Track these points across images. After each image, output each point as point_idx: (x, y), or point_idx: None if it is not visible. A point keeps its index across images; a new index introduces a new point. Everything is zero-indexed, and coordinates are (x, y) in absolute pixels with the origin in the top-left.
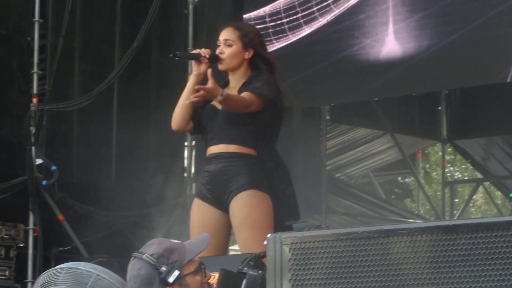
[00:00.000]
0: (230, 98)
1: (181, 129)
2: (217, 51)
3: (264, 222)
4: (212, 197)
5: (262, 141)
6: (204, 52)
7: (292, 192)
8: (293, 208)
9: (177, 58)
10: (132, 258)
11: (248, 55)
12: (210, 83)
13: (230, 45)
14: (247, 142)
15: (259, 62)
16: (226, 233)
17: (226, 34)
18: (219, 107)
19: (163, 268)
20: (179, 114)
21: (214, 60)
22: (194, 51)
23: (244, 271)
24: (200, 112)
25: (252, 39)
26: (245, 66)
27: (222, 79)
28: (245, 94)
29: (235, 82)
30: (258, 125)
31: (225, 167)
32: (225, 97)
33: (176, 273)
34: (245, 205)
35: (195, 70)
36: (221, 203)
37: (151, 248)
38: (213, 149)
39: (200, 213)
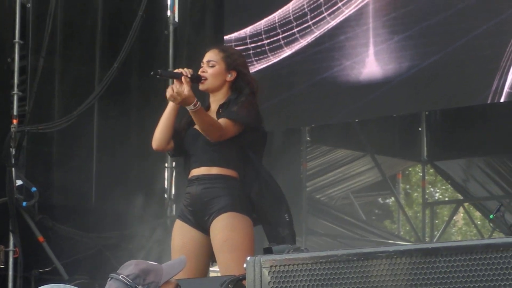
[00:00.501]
0: (202, 113)
1: (161, 149)
2: (200, 71)
3: (244, 244)
4: (193, 219)
5: (245, 163)
6: (186, 71)
7: (286, 209)
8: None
9: (158, 77)
10: (109, 279)
11: (230, 77)
12: (186, 90)
13: (213, 66)
14: (228, 164)
15: (241, 85)
16: (206, 255)
17: (209, 56)
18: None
19: None
20: (160, 134)
21: (196, 80)
22: (176, 70)
23: None
24: (182, 134)
25: (235, 60)
26: (226, 88)
27: (203, 102)
28: (221, 121)
29: (215, 104)
30: (239, 148)
31: (206, 189)
32: (197, 108)
33: None
34: (225, 227)
35: (176, 89)
36: (202, 225)
37: (128, 269)
38: (195, 172)
39: (181, 235)
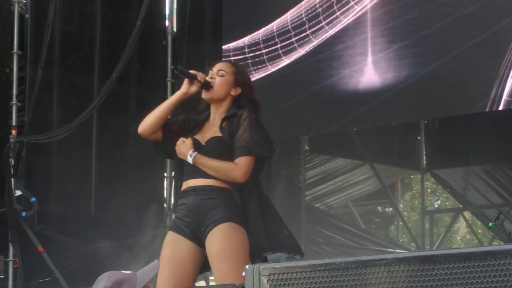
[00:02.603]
0: (203, 162)
1: (145, 134)
2: (208, 77)
3: (240, 254)
4: (188, 230)
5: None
6: (200, 76)
7: (284, 226)
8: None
9: (176, 72)
10: None
11: (235, 92)
12: (193, 90)
13: (222, 75)
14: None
15: (243, 103)
16: (196, 267)
17: (221, 66)
18: (202, 141)
19: None
20: (150, 120)
21: (205, 86)
22: (192, 72)
23: None
24: (174, 135)
25: (245, 79)
26: (229, 102)
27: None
28: (240, 160)
29: (217, 117)
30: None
31: (203, 200)
32: (197, 160)
33: None
34: (222, 237)
35: (184, 88)
36: (197, 236)
37: (101, 283)
38: (191, 183)
39: (173, 245)
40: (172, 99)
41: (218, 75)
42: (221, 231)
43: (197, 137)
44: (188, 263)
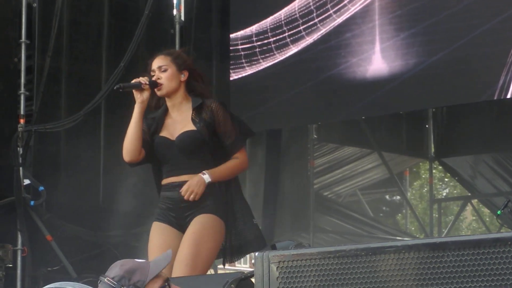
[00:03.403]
0: (217, 176)
1: (134, 160)
2: (154, 78)
3: (207, 244)
4: (175, 220)
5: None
6: (143, 79)
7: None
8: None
9: (121, 90)
10: (99, 281)
11: (184, 77)
12: (146, 95)
13: (165, 70)
14: (207, 169)
15: (194, 84)
16: None
17: (158, 62)
18: (171, 137)
19: None
20: (130, 145)
21: (153, 85)
22: (134, 81)
23: None
24: (150, 142)
25: (185, 60)
26: (183, 89)
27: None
28: (239, 154)
29: (176, 108)
30: (212, 152)
31: None
32: (212, 177)
33: None
34: (198, 223)
35: (138, 98)
36: (182, 225)
37: (113, 271)
38: (175, 179)
39: (161, 234)
40: (135, 116)
41: (162, 71)
42: (200, 218)
43: (164, 134)
44: (177, 250)
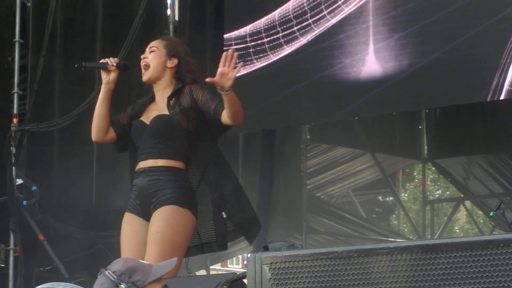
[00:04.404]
0: (235, 97)
1: (100, 139)
2: (141, 60)
3: (174, 241)
4: (142, 210)
5: (192, 152)
6: (111, 60)
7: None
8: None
9: (83, 69)
10: (99, 273)
11: (171, 64)
12: (112, 77)
13: (153, 51)
14: (175, 156)
15: (183, 73)
16: None
17: (152, 43)
18: (147, 122)
19: (122, 286)
20: (96, 124)
21: (123, 68)
22: (101, 61)
23: None
24: (126, 127)
25: (176, 47)
26: (169, 76)
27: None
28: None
29: (160, 94)
30: (185, 138)
31: (152, 181)
32: (231, 93)
33: None
34: (161, 219)
35: (104, 78)
36: (148, 215)
37: (116, 265)
38: (142, 164)
39: (130, 225)
40: (100, 96)
41: (150, 52)
42: (161, 213)
43: (142, 118)
44: (145, 241)
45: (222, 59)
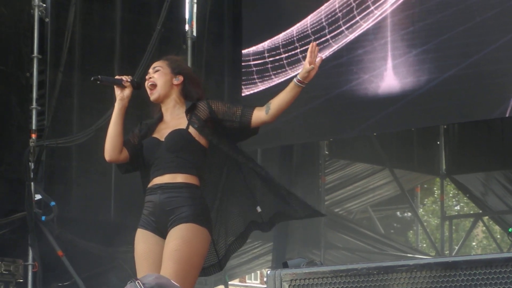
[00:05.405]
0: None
1: (115, 159)
2: (147, 76)
3: (192, 260)
4: (156, 226)
5: (204, 168)
6: (125, 77)
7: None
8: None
9: (98, 82)
10: (130, 281)
11: (178, 81)
12: (127, 93)
13: (158, 70)
14: (192, 171)
15: (189, 89)
16: None
17: (155, 64)
18: (161, 138)
19: None
20: (110, 143)
21: (135, 84)
22: (116, 77)
23: None
24: (138, 146)
25: (180, 65)
26: (177, 94)
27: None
28: (258, 110)
29: (170, 112)
30: (200, 153)
31: (169, 198)
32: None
33: None
34: (179, 238)
35: (118, 95)
36: (163, 232)
37: (149, 279)
38: (158, 180)
39: (145, 241)
40: (114, 113)
41: (155, 72)
42: (179, 231)
43: (155, 135)
44: (161, 258)
45: (309, 51)
